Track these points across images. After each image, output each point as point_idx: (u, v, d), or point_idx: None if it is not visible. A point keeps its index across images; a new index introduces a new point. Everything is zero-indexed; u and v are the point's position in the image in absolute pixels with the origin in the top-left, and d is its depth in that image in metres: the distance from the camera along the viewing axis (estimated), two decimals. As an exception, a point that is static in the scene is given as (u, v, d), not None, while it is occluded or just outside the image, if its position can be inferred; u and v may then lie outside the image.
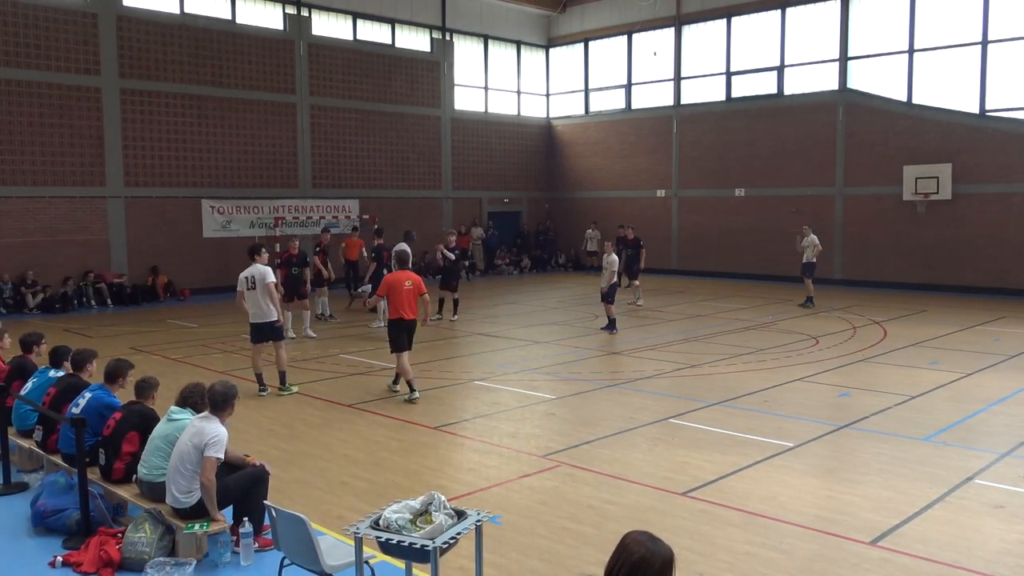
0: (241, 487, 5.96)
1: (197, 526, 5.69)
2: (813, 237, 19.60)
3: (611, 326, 15.73)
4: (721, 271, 26.87)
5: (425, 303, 10.76)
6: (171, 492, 5.83)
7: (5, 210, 19.60)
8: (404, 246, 13.20)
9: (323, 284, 17.46)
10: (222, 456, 5.80)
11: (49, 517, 6.19)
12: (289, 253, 15.51)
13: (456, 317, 17.58)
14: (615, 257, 15.99)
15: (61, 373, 7.88)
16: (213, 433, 5.77)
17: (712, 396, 10.66)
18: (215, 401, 5.93)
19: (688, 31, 27.95)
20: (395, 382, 11.05)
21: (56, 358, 8.15)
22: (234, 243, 22.91)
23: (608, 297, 15.72)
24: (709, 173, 27.34)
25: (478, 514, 4.58)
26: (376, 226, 19.14)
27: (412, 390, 10.52)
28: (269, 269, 10.71)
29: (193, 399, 6.34)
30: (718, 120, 27.05)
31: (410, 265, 11.25)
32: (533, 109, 31.99)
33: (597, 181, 30.70)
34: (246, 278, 10.66)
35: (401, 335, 10.52)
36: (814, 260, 19.53)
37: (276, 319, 10.75)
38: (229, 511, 5.99)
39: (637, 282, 19.94)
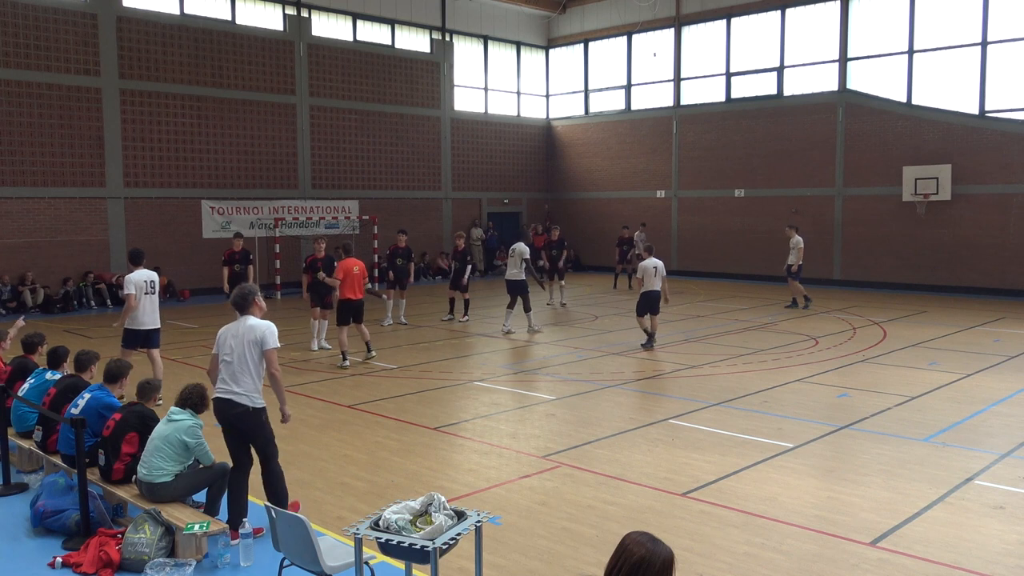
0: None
1: (197, 526, 5.70)
2: (798, 239, 19.43)
3: (649, 341, 14.15)
4: (721, 272, 26.87)
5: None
6: (232, 382, 6.03)
7: (5, 211, 19.60)
8: (520, 244, 16.40)
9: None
10: (279, 344, 6.25)
11: (49, 518, 6.19)
12: (314, 257, 14.39)
13: (467, 317, 17.75)
14: (649, 262, 14.19)
15: (59, 375, 7.88)
16: (265, 325, 6.16)
17: (712, 397, 10.67)
18: (243, 303, 6.28)
19: (688, 32, 27.96)
20: (344, 357, 12.84)
21: (55, 359, 8.17)
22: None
23: (640, 309, 14.11)
24: (709, 174, 27.35)
25: (478, 515, 4.58)
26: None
27: (344, 358, 12.79)
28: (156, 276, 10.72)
29: (193, 400, 6.36)
30: (718, 121, 27.06)
31: (353, 253, 13.44)
32: (533, 110, 32.01)
33: (597, 182, 30.71)
34: (147, 282, 10.35)
35: (345, 313, 12.83)
36: (792, 263, 19.25)
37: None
38: (223, 510, 6.01)
39: (563, 282, 20.46)
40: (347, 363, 12.75)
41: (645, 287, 13.97)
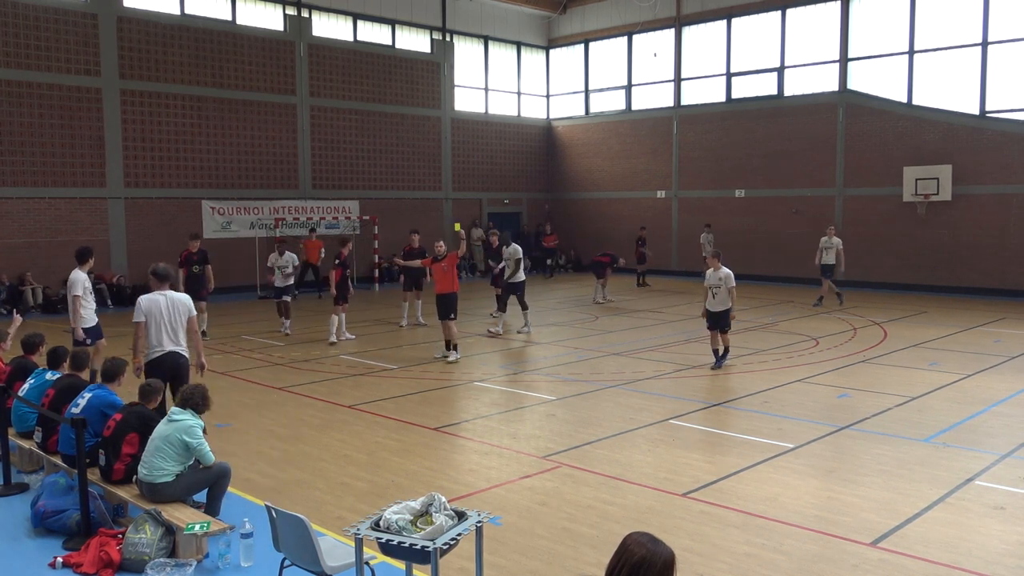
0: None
1: (197, 526, 5.70)
2: (837, 240, 19.52)
3: (723, 357, 12.52)
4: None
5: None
6: (173, 340, 7.75)
7: (5, 211, 19.61)
8: (515, 245, 16.50)
9: (201, 298, 15.20)
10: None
11: (49, 518, 6.19)
12: (343, 255, 15.37)
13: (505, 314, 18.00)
14: (728, 271, 12.44)
15: (58, 375, 7.88)
16: (185, 296, 8.08)
17: (712, 397, 10.67)
18: (169, 277, 8.04)
19: (688, 32, 27.96)
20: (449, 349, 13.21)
21: (54, 359, 8.17)
22: (234, 244, 22.93)
23: (725, 323, 12.48)
24: (709, 174, 27.35)
25: (478, 515, 4.58)
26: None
27: (448, 348, 13.20)
28: (83, 277, 10.79)
29: (194, 400, 6.36)
30: (718, 121, 27.05)
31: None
32: (533, 110, 32.00)
33: (597, 182, 30.71)
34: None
35: (442, 307, 13.25)
36: (834, 262, 19.42)
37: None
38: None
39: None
40: (456, 356, 13.11)
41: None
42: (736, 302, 12.54)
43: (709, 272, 12.51)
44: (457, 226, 15.42)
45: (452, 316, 13.16)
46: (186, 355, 7.95)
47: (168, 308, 7.79)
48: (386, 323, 17.34)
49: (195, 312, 8.08)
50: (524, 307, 16.19)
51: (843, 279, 24.18)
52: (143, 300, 7.84)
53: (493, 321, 17.49)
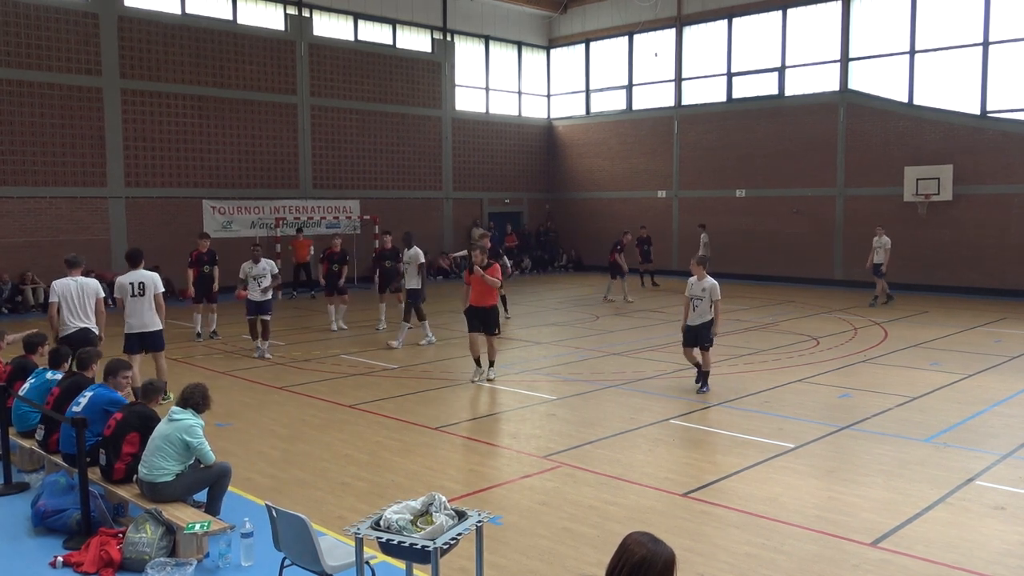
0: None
1: (198, 526, 5.70)
2: (886, 239, 19.48)
3: (703, 380, 10.94)
4: (721, 272, 26.72)
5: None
6: (83, 319, 9.10)
7: (6, 210, 19.62)
8: (416, 249, 14.58)
9: (202, 299, 15.43)
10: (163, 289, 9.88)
11: (50, 517, 6.19)
12: (331, 251, 16.86)
13: (507, 315, 17.93)
14: (714, 281, 10.75)
15: (60, 374, 7.88)
16: (95, 280, 9.29)
17: (713, 397, 10.66)
18: (78, 264, 9.32)
19: (689, 32, 27.96)
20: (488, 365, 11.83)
21: (56, 359, 8.18)
22: (235, 244, 22.91)
23: (706, 339, 10.84)
24: (710, 174, 27.34)
25: (479, 515, 4.58)
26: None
27: (478, 364, 11.68)
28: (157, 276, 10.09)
29: (194, 399, 6.36)
30: (719, 121, 27.05)
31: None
32: (534, 110, 32.00)
33: (598, 182, 30.71)
34: (131, 284, 9.73)
35: (472, 319, 11.73)
36: (881, 262, 19.37)
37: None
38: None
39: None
40: (480, 375, 11.67)
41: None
42: (721, 316, 10.85)
43: (692, 280, 10.90)
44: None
45: (496, 331, 11.82)
46: (96, 331, 9.19)
47: (78, 291, 9.09)
48: (387, 323, 17.34)
49: (103, 294, 9.28)
50: (421, 317, 14.63)
51: (844, 278, 24.25)
52: (56, 285, 9.10)
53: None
